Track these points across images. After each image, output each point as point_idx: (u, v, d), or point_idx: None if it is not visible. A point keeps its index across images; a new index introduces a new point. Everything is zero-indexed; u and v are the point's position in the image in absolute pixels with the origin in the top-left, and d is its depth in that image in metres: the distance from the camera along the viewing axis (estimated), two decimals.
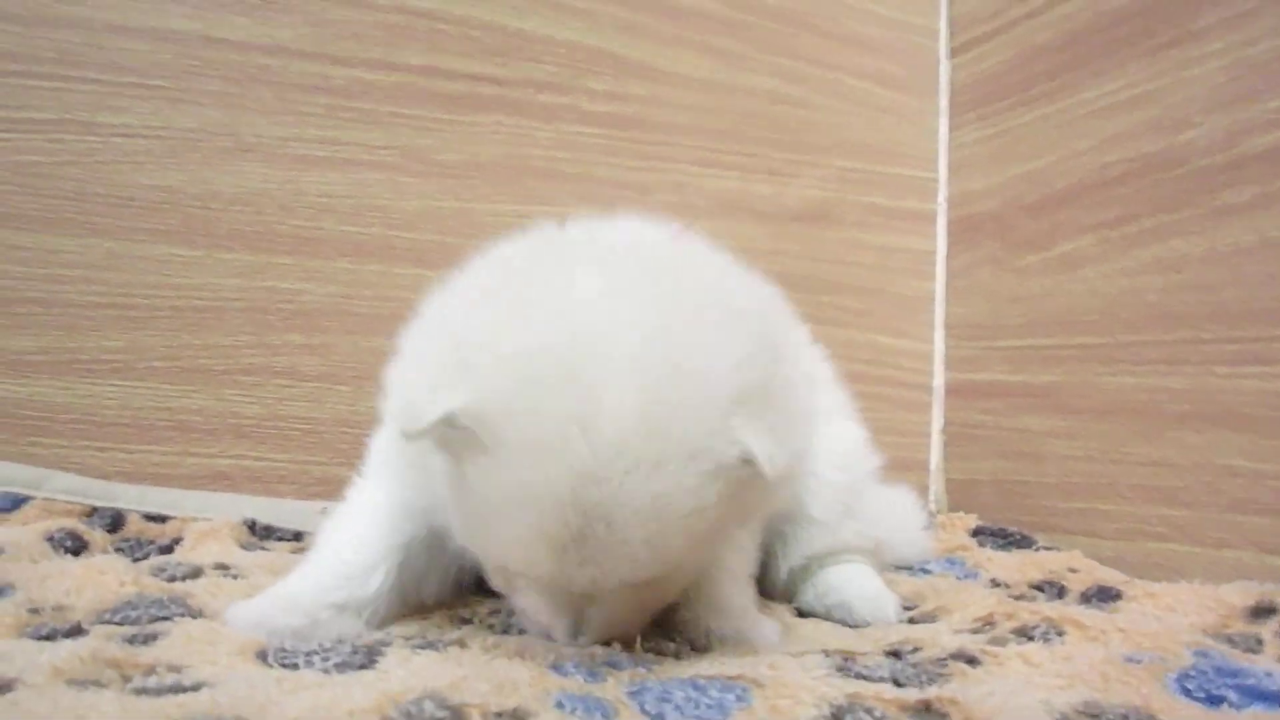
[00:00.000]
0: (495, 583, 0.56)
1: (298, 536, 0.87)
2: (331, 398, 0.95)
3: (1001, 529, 1.08)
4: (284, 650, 0.51)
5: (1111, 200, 1.04)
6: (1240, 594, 0.74)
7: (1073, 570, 0.90)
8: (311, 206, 0.96)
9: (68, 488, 0.84)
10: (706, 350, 0.49)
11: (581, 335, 0.47)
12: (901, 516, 0.86)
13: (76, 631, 0.54)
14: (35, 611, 0.57)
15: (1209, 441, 0.93)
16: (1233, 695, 0.49)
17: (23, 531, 0.77)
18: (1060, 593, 0.84)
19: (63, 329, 0.89)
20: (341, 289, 0.97)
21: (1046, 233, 1.12)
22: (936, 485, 1.24)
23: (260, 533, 0.86)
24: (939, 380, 1.25)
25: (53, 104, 0.89)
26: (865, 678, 0.52)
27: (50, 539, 0.77)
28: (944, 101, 1.28)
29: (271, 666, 0.49)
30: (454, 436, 0.48)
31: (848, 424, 0.80)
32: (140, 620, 0.58)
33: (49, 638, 0.53)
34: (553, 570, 0.48)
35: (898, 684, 0.51)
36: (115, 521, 0.83)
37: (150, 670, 0.47)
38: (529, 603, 0.54)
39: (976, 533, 1.08)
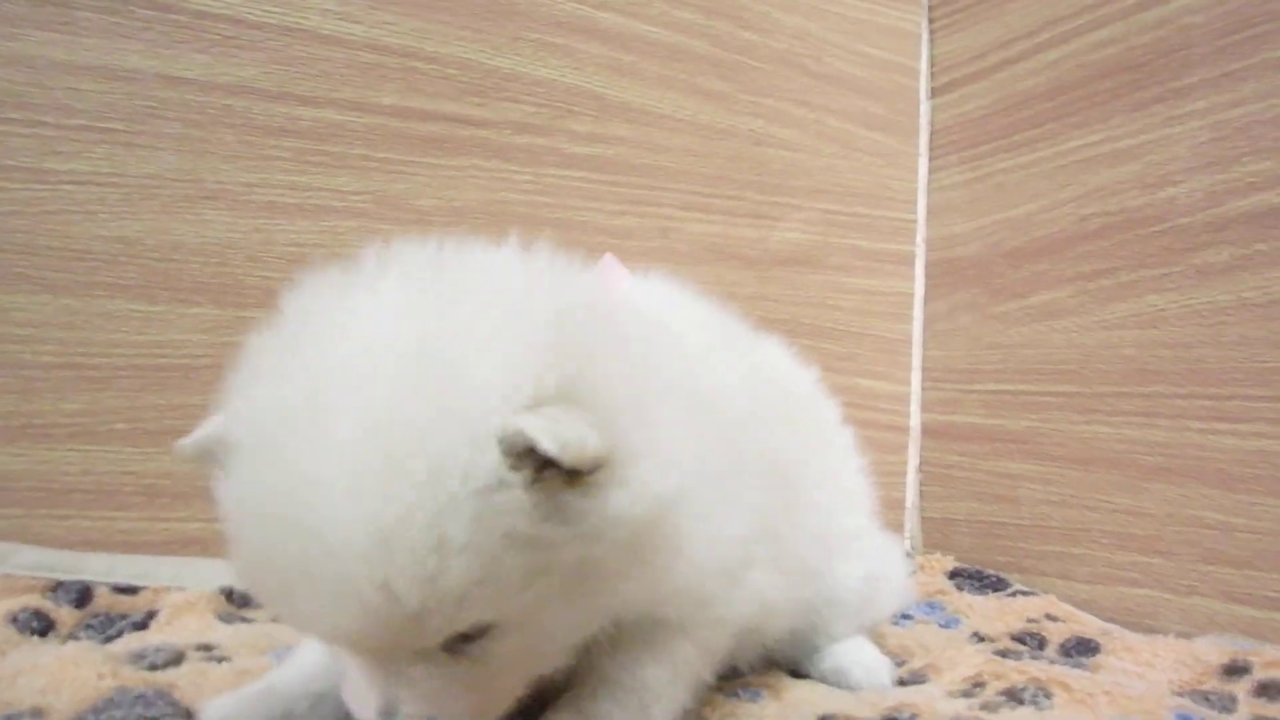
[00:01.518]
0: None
1: None
2: None
3: (978, 571, 1.09)
4: None
5: (1091, 253, 1.05)
6: (1215, 651, 0.77)
7: (1050, 618, 0.93)
8: (281, 257, 0.92)
9: (31, 562, 0.79)
10: (478, 343, 0.42)
11: (338, 343, 0.42)
12: (894, 571, 0.85)
13: None
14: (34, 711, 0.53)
15: (1182, 494, 0.95)
16: None
17: None
18: (1041, 644, 0.86)
19: (16, 392, 0.83)
20: None
21: (1026, 281, 1.13)
22: (912, 523, 1.25)
23: (238, 600, 0.82)
24: (915, 421, 1.26)
25: None
26: None
27: (14, 620, 0.73)
28: (924, 142, 1.27)
29: None
30: (216, 465, 0.44)
31: (870, 525, 0.77)
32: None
33: None
34: (289, 610, 0.41)
35: None
36: (82, 596, 0.79)
37: None
38: (345, 675, 0.46)
39: (954, 574, 1.09)
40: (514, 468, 0.40)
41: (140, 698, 0.57)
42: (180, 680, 0.62)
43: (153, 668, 0.66)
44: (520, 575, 0.41)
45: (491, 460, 0.39)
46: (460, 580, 0.39)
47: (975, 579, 1.08)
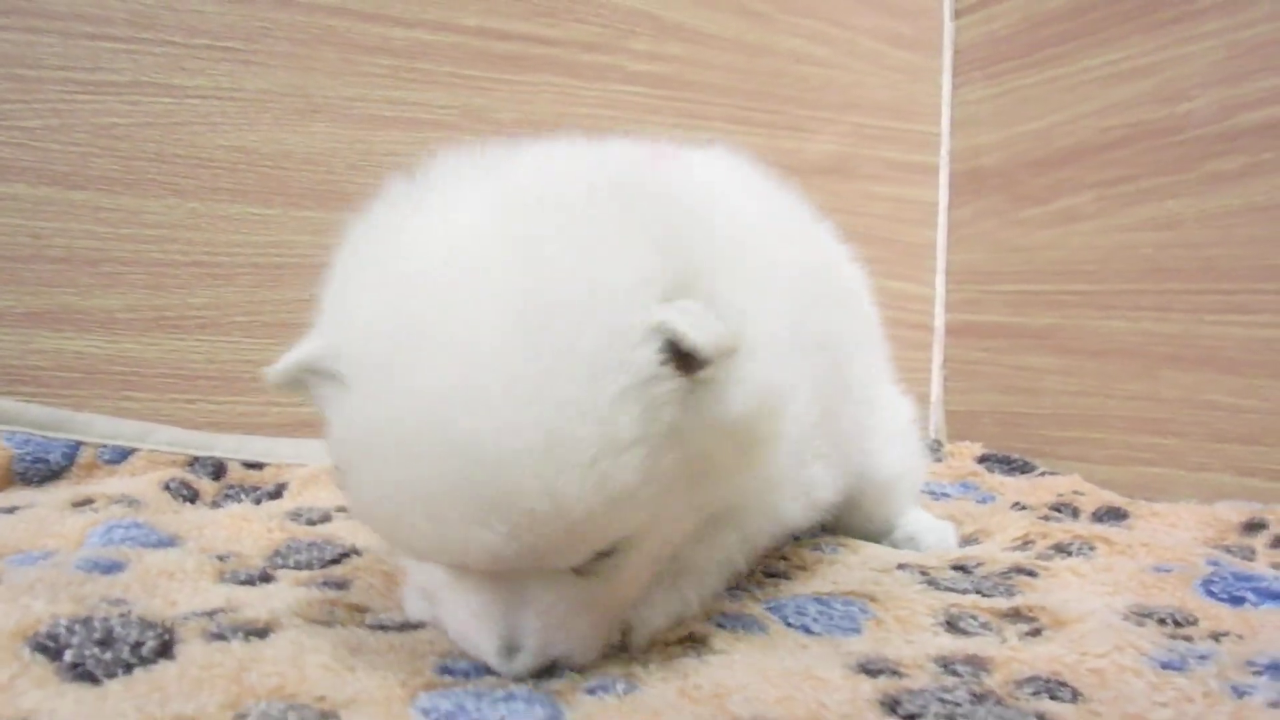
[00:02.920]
0: (416, 579, 0.48)
1: None
2: None
3: (1005, 456, 1.19)
4: None
5: (1111, 162, 1.14)
6: (1233, 512, 0.85)
7: (1078, 493, 1.02)
8: (378, 165, 1.00)
9: (170, 440, 0.89)
10: (601, 243, 0.40)
11: (440, 244, 0.41)
12: (914, 429, 0.84)
13: (267, 578, 0.60)
14: (222, 559, 0.63)
15: (1194, 380, 1.05)
16: (1251, 596, 0.59)
17: (139, 482, 0.82)
18: (1074, 513, 0.96)
19: (149, 288, 0.92)
20: None
21: (1048, 188, 1.22)
22: (937, 416, 1.36)
23: None
24: (939, 321, 1.36)
25: (129, 66, 0.90)
26: (954, 590, 0.62)
27: (167, 487, 0.82)
28: (948, 60, 1.35)
29: None
30: (318, 388, 0.42)
31: (894, 391, 0.79)
32: (314, 563, 0.64)
33: (249, 583, 0.58)
34: (432, 537, 0.38)
35: (982, 594, 0.61)
36: (217, 470, 0.89)
37: (364, 609, 0.54)
38: (448, 611, 0.44)
39: (983, 459, 1.19)
40: (663, 361, 0.39)
41: (312, 544, 0.67)
42: (338, 531, 0.72)
43: (310, 523, 0.76)
44: (671, 473, 0.40)
45: (648, 353, 0.38)
46: (628, 480, 0.37)
47: (1003, 463, 1.19)
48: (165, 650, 0.42)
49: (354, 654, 0.43)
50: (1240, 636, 0.52)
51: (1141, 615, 0.56)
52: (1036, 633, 0.53)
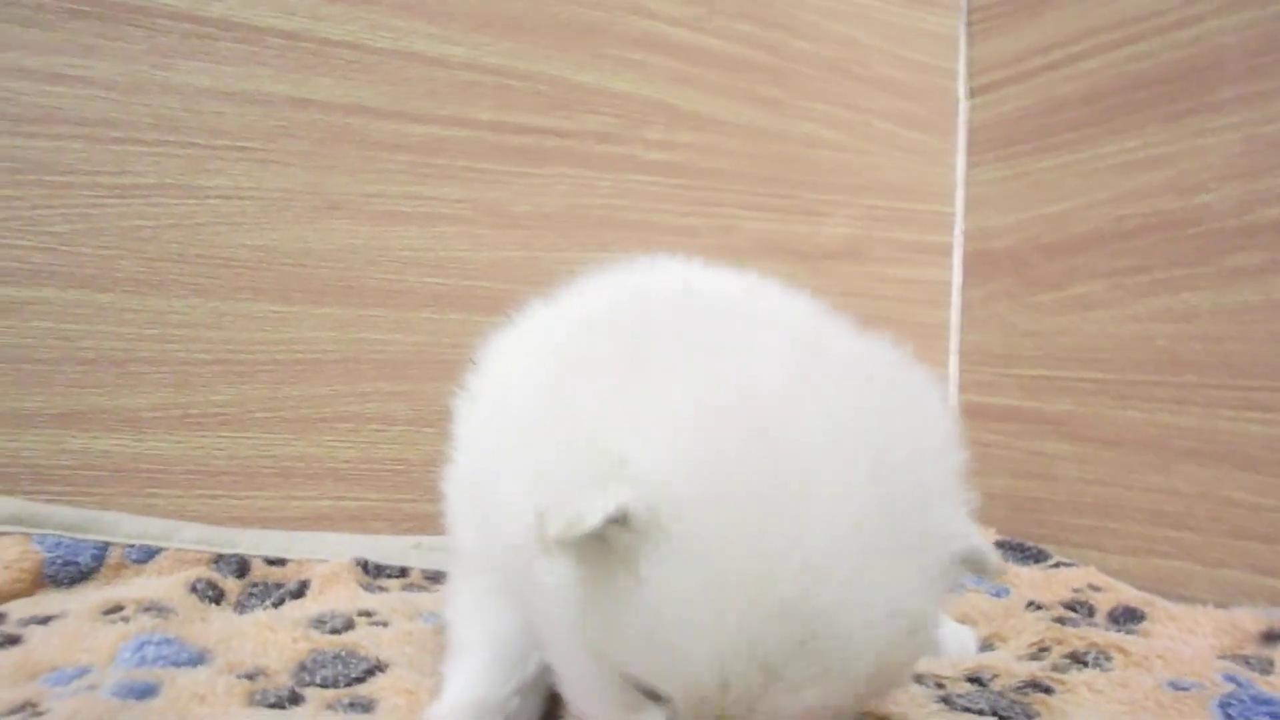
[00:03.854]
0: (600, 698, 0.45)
1: (403, 572, 0.95)
2: (420, 440, 1.01)
3: (1020, 543, 1.18)
4: None
5: (1127, 250, 1.14)
6: (1251, 619, 0.84)
7: (1094, 588, 1.01)
8: (396, 260, 1.02)
9: (195, 537, 0.90)
10: (920, 438, 0.42)
11: (773, 414, 0.40)
12: None
13: (296, 698, 0.61)
14: (250, 678, 0.63)
15: (1212, 475, 1.04)
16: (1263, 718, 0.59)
17: (166, 583, 0.83)
18: (1090, 612, 0.95)
19: (173, 386, 0.93)
20: (426, 338, 1.02)
21: (1063, 274, 1.22)
22: None
23: (372, 571, 0.93)
24: (953, 402, 1.36)
25: (153, 169, 0.92)
26: (970, 710, 0.62)
27: (194, 589, 0.83)
28: (962, 141, 1.36)
29: None
30: (620, 538, 0.39)
31: None
32: (340, 680, 0.65)
33: (278, 705, 0.59)
34: (757, 689, 0.38)
35: (998, 715, 0.61)
36: (241, 567, 0.89)
37: None
38: None
39: (999, 545, 1.19)
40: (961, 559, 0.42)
41: (337, 656, 0.68)
42: (361, 640, 0.73)
43: (334, 631, 0.77)
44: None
45: (947, 546, 0.41)
46: (916, 655, 0.43)
47: (1018, 550, 1.18)
48: None
49: None
50: None
51: None
52: None
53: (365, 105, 1.00)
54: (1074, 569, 1.09)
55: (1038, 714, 0.61)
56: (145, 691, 0.57)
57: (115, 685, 0.57)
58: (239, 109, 0.95)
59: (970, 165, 1.37)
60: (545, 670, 0.53)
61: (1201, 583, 1.03)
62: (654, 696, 0.41)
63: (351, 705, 0.59)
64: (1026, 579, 1.07)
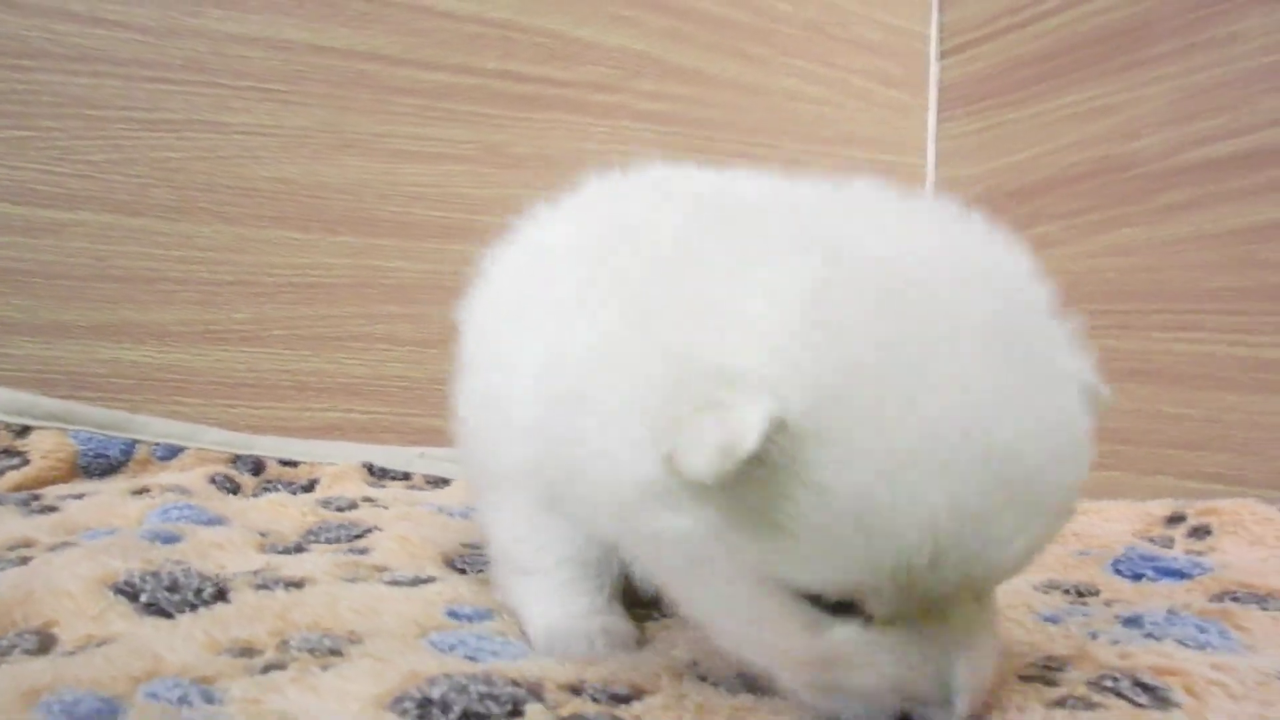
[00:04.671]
0: (782, 648, 0.41)
1: (406, 476, 1.04)
2: (425, 359, 1.11)
3: None
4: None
5: (1078, 193, 1.23)
6: (1161, 508, 0.94)
7: None
8: (405, 195, 1.11)
9: (216, 440, 0.99)
10: (1013, 274, 0.42)
11: (882, 282, 0.38)
12: None
13: (302, 549, 0.70)
14: (263, 535, 0.73)
15: (1149, 392, 1.14)
16: (1150, 573, 0.69)
17: (188, 476, 0.92)
18: None
19: (198, 303, 1.03)
20: (432, 266, 1.12)
21: (1024, 217, 1.31)
22: None
23: (377, 473, 1.03)
24: None
25: (183, 106, 1.02)
26: None
27: (213, 480, 0.93)
28: (933, 98, 1.45)
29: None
30: (774, 455, 0.35)
31: None
32: (342, 538, 0.74)
33: (286, 553, 0.68)
34: (973, 550, 0.36)
35: None
36: (257, 467, 0.99)
37: (384, 569, 0.64)
38: (857, 668, 0.39)
39: None
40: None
41: (340, 526, 0.78)
42: (363, 515, 0.83)
43: (338, 509, 0.86)
44: None
45: (1082, 371, 0.41)
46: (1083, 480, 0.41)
47: None
48: (221, 596, 0.52)
49: (377, 601, 0.53)
50: (1129, 602, 0.61)
51: (1050, 587, 0.66)
52: None
53: (379, 53, 1.09)
54: None
55: None
56: (170, 538, 0.66)
57: (144, 533, 0.67)
58: (263, 53, 1.04)
59: (941, 120, 1.46)
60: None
61: (1136, 489, 1.12)
62: (842, 607, 0.38)
63: (351, 550, 0.69)
64: None
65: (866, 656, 0.39)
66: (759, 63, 1.31)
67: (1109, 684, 0.44)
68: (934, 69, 1.46)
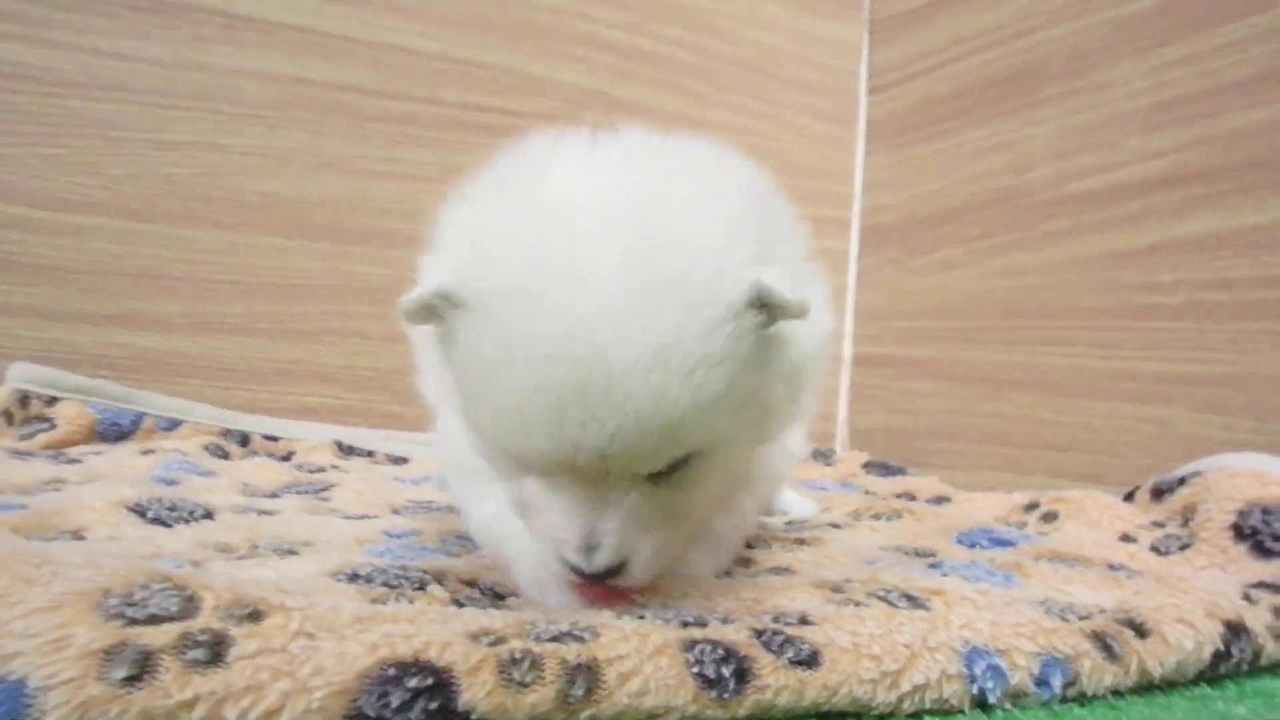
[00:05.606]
0: (508, 497, 0.52)
1: (370, 454, 1.20)
2: (391, 353, 1.27)
3: (884, 462, 1.43)
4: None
5: (977, 220, 1.40)
6: (1023, 497, 1.05)
7: (924, 487, 1.26)
8: (376, 209, 1.27)
9: (208, 415, 1.15)
10: (700, 202, 0.47)
11: (564, 195, 0.47)
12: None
13: (276, 496, 0.86)
14: (245, 485, 0.88)
15: (1031, 400, 1.29)
16: (984, 542, 0.80)
17: (187, 443, 1.08)
18: (912, 498, 1.19)
19: (196, 298, 1.19)
20: (398, 271, 1.25)
21: (932, 241, 1.47)
22: (841, 432, 1.60)
23: (345, 450, 1.18)
24: (848, 352, 1.61)
25: (189, 129, 1.18)
26: (779, 536, 0.86)
27: (207, 448, 1.08)
28: (861, 131, 1.61)
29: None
30: (450, 315, 0.47)
31: None
32: (309, 491, 0.90)
33: (263, 497, 0.84)
34: (551, 436, 0.44)
35: (794, 539, 0.86)
36: (243, 439, 1.15)
37: (338, 510, 0.80)
38: (538, 516, 0.49)
39: (866, 465, 1.43)
40: (749, 304, 0.46)
41: (309, 483, 0.94)
42: (328, 477, 0.98)
43: (309, 472, 1.02)
44: (744, 394, 0.47)
45: (739, 293, 0.45)
46: (715, 390, 0.44)
47: (882, 468, 1.42)
48: (209, 516, 0.68)
49: (328, 524, 0.69)
50: (933, 554, 0.75)
51: (893, 549, 0.78)
52: (800, 543, 0.78)
53: (355, 85, 1.26)
54: (919, 478, 1.34)
55: (820, 541, 0.84)
56: (170, 482, 0.82)
57: (150, 477, 0.82)
58: (256, 84, 1.21)
59: (868, 152, 1.63)
60: None
61: (1014, 486, 1.27)
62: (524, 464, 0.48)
63: (316, 499, 0.85)
64: (881, 485, 1.32)
65: (540, 505, 0.48)
66: (696, 97, 1.48)
67: (880, 594, 0.54)
68: (863, 105, 1.63)
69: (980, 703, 0.45)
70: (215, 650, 0.37)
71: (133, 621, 0.38)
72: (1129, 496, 0.97)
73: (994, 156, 1.38)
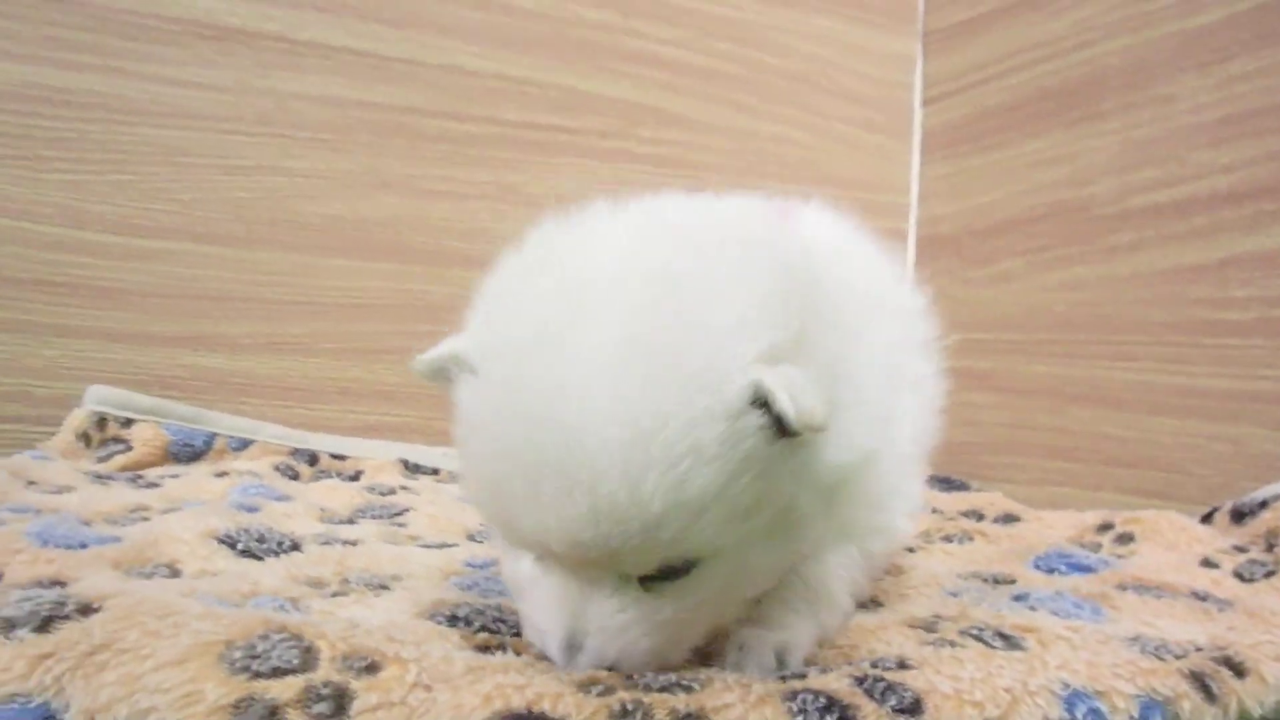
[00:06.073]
0: (505, 571, 0.51)
1: (435, 471, 1.21)
2: None
3: (946, 477, 1.42)
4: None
5: (1035, 233, 1.38)
6: (1095, 517, 1.04)
7: (991, 504, 1.25)
8: (435, 228, 1.28)
9: (277, 434, 1.17)
10: (720, 281, 0.44)
11: (580, 264, 0.46)
12: None
13: (353, 521, 0.87)
14: (322, 510, 0.90)
15: (1093, 415, 1.27)
16: (1063, 568, 0.77)
17: (258, 463, 1.10)
18: (979, 517, 1.18)
19: (262, 319, 1.21)
20: (457, 290, 1.25)
21: (989, 253, 1.46)
22: None
23: (411, 468, 1.20)
24: None
25: (253, 153, 1.20)
26: None
27: (277, 468, 1.10)
28: (917, 143, 1.60)
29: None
30: (458, 377, 0.48)
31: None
32: (384, 515, 0.91)
33: (340, 524, 0.85)
34: (529, 509, 0.42)
35: None
36: (312, 459, 1.16)
37: (416, 537, 0.81)
38: (528, 602, 0.47)
39: (927, 479, 1.42)
40: (752, 403, 0.42)
41: (383, 506, 0.95)
42: (400, 499, 0.99)
43: (381, 494, 1.03)
44: (747, 502, 0.42)
45: (738, 388, 0.41)
46: (702, 490, 0.40)
47: (944, 482, 1.41)
48: (296, 547, 0.69)
49: (411, 555, 0.70)
50: (1013, 581, 0.75)
51: (970, 576, 0.77)
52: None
53: (414, 107, 1.27)
54: (983, 493, 1.33)
55: (900, 569, 0.83)
56: (251, 509, 0.83)
57: (230, 504, 0.84)
58: (318, 108, 1.22)
59: (923, 163, 1.61)
60: None
61: (1080, 502, 1.25)
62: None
63: (391, 524, 0.86)
64: (943, 500, 1.31)
65: (529, 588, 0.46)
66: (748, 111, 1.48)
67: (974, 633, 0.54)
68: (918, 116, 1.61)
69: None
70: (339, 703, 0.38)
71: (257, 675, 0.38)
72: (1207, 518, 0.95)
73: (1052, 169, 1.36)
